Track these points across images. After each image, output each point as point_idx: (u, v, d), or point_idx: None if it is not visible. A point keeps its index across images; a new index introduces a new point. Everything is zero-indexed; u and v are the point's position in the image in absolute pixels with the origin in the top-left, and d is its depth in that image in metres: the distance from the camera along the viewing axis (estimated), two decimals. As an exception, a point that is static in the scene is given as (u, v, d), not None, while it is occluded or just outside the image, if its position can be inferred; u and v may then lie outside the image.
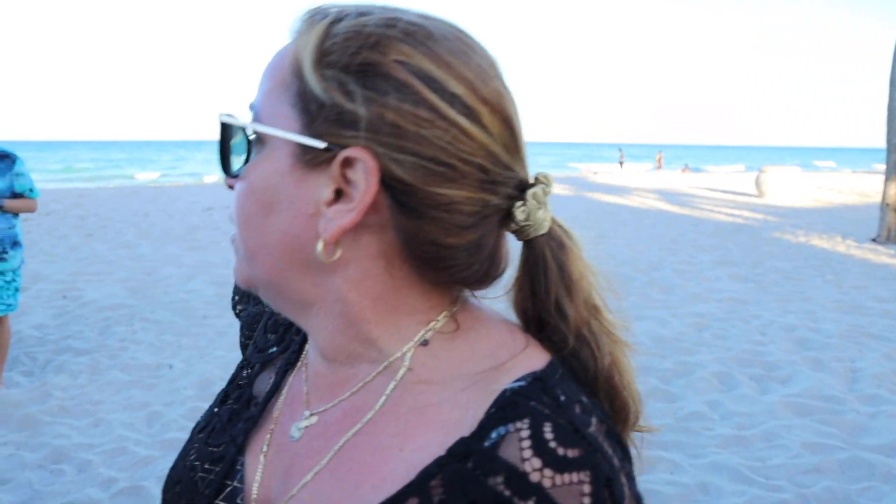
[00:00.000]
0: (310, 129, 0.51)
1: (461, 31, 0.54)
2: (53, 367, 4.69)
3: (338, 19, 0.52)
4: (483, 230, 0.54)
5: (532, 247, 0.56)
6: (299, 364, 0.66)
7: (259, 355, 0.72)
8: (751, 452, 3.48)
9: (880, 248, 10.12)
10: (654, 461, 3.30)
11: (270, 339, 0.72)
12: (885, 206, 10.69)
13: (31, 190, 4.09)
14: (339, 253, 0.52)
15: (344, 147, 0.50)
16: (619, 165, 41.70)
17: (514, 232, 0.56)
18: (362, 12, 0.53)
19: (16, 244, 4.11)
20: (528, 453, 0.46)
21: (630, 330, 0.60)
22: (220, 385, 4.39)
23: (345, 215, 0.51)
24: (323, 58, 0.51)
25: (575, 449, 0.47)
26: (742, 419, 3.87)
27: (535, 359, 0.54)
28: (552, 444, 0.47)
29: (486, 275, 0.57)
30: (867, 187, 23.26)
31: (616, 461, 0.49)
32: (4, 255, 4.04)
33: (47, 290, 6.74)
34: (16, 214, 4.09)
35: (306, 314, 0.57)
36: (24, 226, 4.30)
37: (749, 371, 4.64)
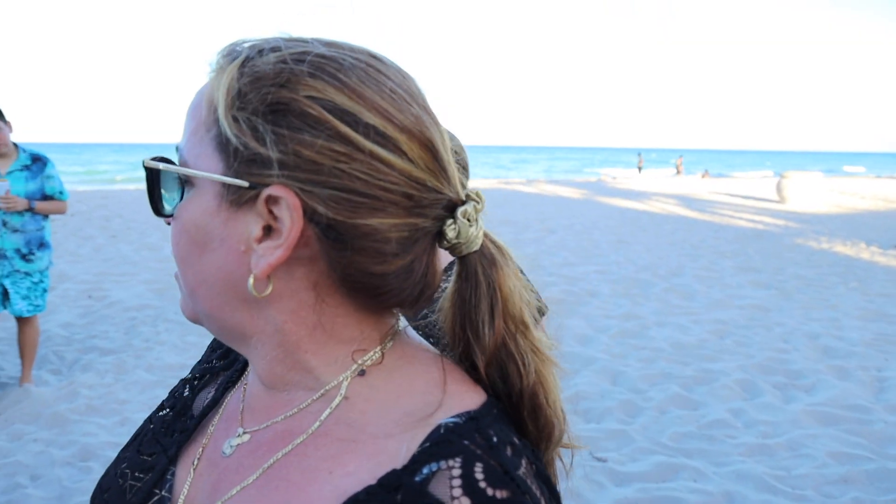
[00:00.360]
0: (231, 170, 0.53)
1: (372, 58, 0.55)
2: (80, 366, 4.78)
3: (248, 58, 0.53)
4: (414, 254, 0.55)
5: (465, 263, 0.57)
6: (239, 383, 0.68)
7: (202, 368, 0.74)
8: (776, 461, 3.45)
9: (906, 255, 9.97)
10: (677, 469, 3.29)
11: (215, 355, 0.75)
12: (910, 212, 10.53)
13: (60, 192, 4.18)
14: (270, 288, 0.54)
15: (265, 186, 0.51)
16: (637, 170, 41.46)
17: (447, 249, 0.57)
18: (273, 47, 0.53)
19: (43, 245, 4.20)
20: (457, 492, 0.47)
21: (558, 349, 0.61)
22: (244, 386, 4.46)
23: (274, 251, 0.52)
24: (235, 100, 0.52)
25: (504, 490, 0.47)
26: (766, 427, 3.83)
27: (471, 396, 0.55)
28: (482, 485, 0.47)
29: (420, 295, 0.58)
30: (890, 193, 22.89)
31: (543, 502, 0.50)
32: (31, 256, 4.13)
33: (73, 290, 6.86)
34: (45, 216, 4.18)
35: (246, 344, 0.59)
36: (51, 226, 4.38)
37: (772, 379, 4.60)
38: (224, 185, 0.53)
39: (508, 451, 0.51)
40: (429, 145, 0.54)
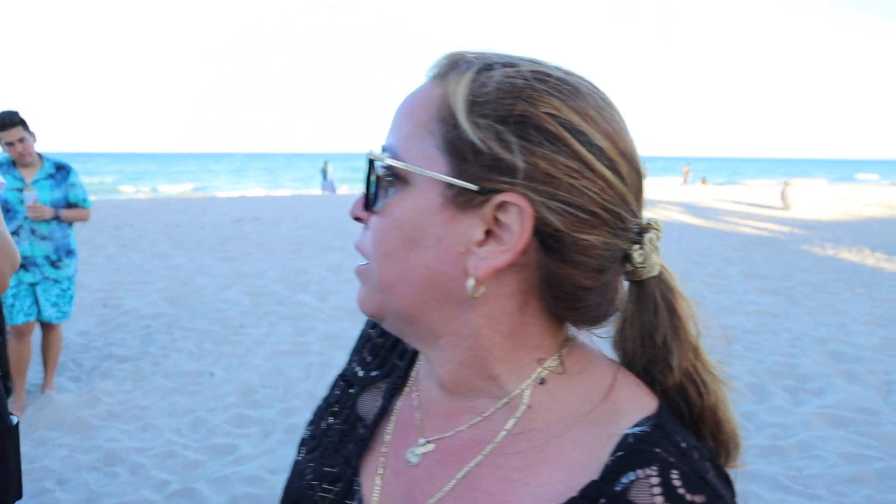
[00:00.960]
0: (461, 173, 0.54)
1: (598, 88, 0.58)
2: (99, 373, 4.86)
3: (485, 68, 0.56)
4: (611, 273, 0.58)
5: (643, 288, 0.59)
6: (406, 389, 0.69)
7: (360, 378, 0.74)
8: (787, 462, 3.51)
9: (911, 261, 10.02)
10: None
11: (370, 362, 0.75)
12: (915, 218, 10.58)
13: (84, 200, 4.28)
14: (482, 290, 0.55)
15: (498, 192, 0.53)
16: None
17: (626, 273, 0.59)
18: (508, 63, 0.56)
19: (70, 252, 4.30)
20: (659, 499, 0.49)
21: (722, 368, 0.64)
22: (262, 393, 4.54)
23: (498, 256, 0.54)
24: (475, 106, 0.54)
25: (701, 495, 0.50)
26: (777, 430, 3.89)
27: (647, 401, 0.57)
28: (680, 491, 0.49)
29: (605, 314, 0.60)
30: (894, 199, 22.92)
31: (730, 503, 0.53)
32: (59, 263, 4.23)
33: (89, 299, 6.95)
34: (70, 224, 4.28)
35: (434, 346, 0.60)
36: (75, 234, 4.48)
37: (782, 383, 4.66)
38: (449, 185, 0.55)
39: (696, 456, 0.53)
40: (638, 171, 0.58)
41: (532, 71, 0.55)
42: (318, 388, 4.56)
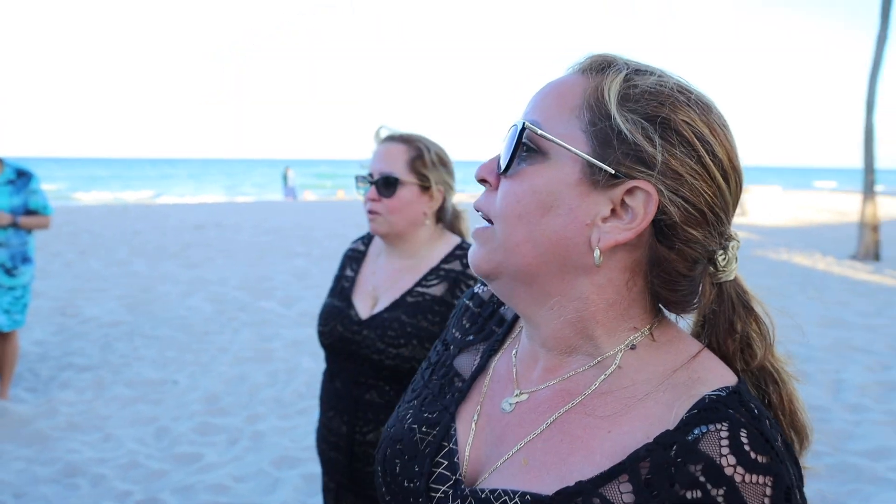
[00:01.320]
0: (603, 156, 0.63)
1: (720, 109, 0.68)
2: (58, 384, 4.73)
3: (636, 72, 0.65)
4: (703, 267, 0.67)
5: (721, 289, 0.69)
6: (503, 350, 0.79)
7: (458, 341, 0.84)
8: (744, 460, 3.63)
9: (859, 264, 10.43)
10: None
11: (467, 328, 0.85)
12: (862, 224, 11.03)
13: (44, 207, 4.18)
14: (601, 259, 0.64)
15: (632, 178, 0.63)
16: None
17: (709, 274, 0.68)
18: (656, 72, 0.66)
19: (26, 260, 4.19)
20: (725, 451, 0.56)
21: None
22: (226, 400, 4.49)
23: (621, 232, 0.63)
24: (627, 102, 0.63)
25: (765, 456, 0.57)
26: (734, 429, 4.02)
27: (727, 375, 0.65)
28: (746, 448, 0.56)
29: (691, 302, 0.69)
30: (843, 206, 23.81)
31: (795, 477, 0.59)
32: (15, 271, 4.12)
33: (46, 307, 6.77)
34: (29, 231, 4.17)
35: (543, 305, 0.68)
36: (34, 241, 4.36)
37: (739, 383, 4.81)
38: (588, 164, 0.63)
39: (767, 424, 0.60)
40: (741, 186, 0.67)
41: (676, 83, 0.65)
42: (283, 395, 4.53)
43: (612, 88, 0.64)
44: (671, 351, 0.67)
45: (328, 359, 1.74)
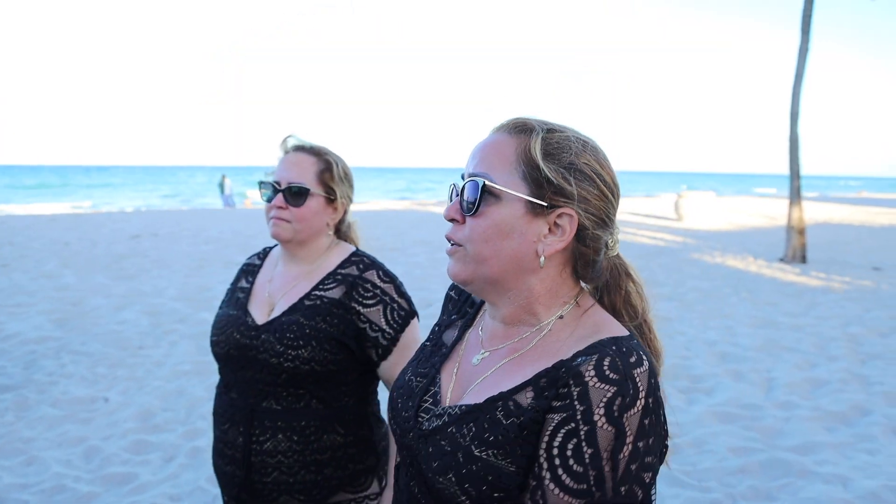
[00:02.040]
0: (538, 195, 0.95)
1: (601, 146, 1.01)
2: (-24, 405, 4.45)
3: (548, 132, 0.97)
4: (603, 252, 1.00)
5: (611, 262, 1.03)
6: (473, 325, 1.12)
7: (445, 321, 1.19)
8: (683, 458, 3.73)
9: (787, 267, 10.93)
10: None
11: (452, 312, 1.20)
12: (790, 228, 11.57)
13: None
14: (545, 262, 0.96)
15: (559, 207, 0.95)
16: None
17: (605, 254, 1.01)
18: (559, 129, 0.98)
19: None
20: (590, 367, 0.87)
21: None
22: (162, 416, 4.32)
23: (558, 243, 0.96)
24: (547, 156, 0.95)
25: (616, 375, 0.86)
26: (673, 428, 4.05)
27: (622, 330, 0.95)
28: (605, 368, 0.86)
29: (600, 276, 1.02)
30: (772, 211, 24.96)
31: (642, 392, 0.86)
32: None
33: (-37, 325, 6.36)
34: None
35: (503, 295, 0.99)
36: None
37: (677, 384, 4.94)
38: (529, 202, 0.95)
39: (632, 359, 0.87)
40: (618, 196, 1.00)
41: (575, 136, 0.99)
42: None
43: (537, 147, 0.95)
44: (586, 316, 0.99)
45: (222, 370, 1.71)
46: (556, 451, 0.86)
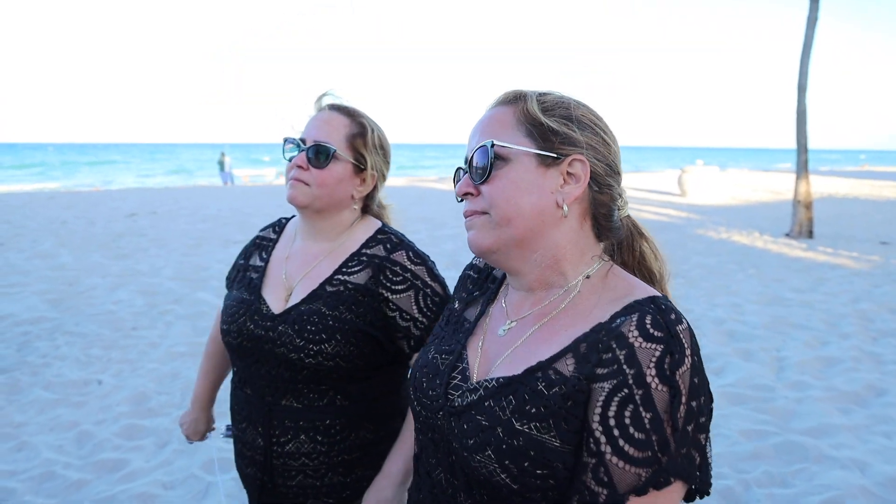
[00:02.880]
0: (545, 147, 0.95)
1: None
2: (-33, 389, 4.34)
3: (541, 94, 0.99)
4: (616, 204, 1.00)
5: (623, 221, 1.03)
6: (496, 300, 1.09)
7: (465, 297, 1.15)
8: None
9: (794, 242, 10.76)
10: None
11: (472, 289, 1.16)
12: (796, 202, 11.37)
13: None
14: (567, 210, 0.95)
15: (569, 155, 0.95)
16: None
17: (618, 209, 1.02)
18: (551, 92, 1.00)
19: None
20: (633, 328, 0.84)
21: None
22: (157, 400, 4.20)
23: (575, 189, 0.95)
24: (546, 111, 0.97)
25: (661, 332, 0.83)
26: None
27: (654, 291, 0.93)
28: (648, 326, 0.84)
29: (617, 230, 1.01)
30: (778, 185, 24.71)
31: (688, 350, 0.83)
32: None
33: (-45, 305, 6.24)
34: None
35: (528, 258, 0.97)
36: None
37: (685, 363, 4.81)
38: (538, 155, 0.95)
39: (672, 316, 0.85)
40: (619, 146, 1.02)
41: (565, 96, 1.00)
42: (219, 392, 4.26)
43: (534, 106, 0.97)
44: (614, 276, 0.98)
45: (235, 362, 1.53)
46: (612, 422, 0.82)
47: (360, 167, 1.50)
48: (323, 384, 1.42)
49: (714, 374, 4.65)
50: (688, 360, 0.82)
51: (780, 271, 8.28)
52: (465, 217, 1.00)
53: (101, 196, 18.89)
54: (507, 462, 0.86)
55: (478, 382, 0.95)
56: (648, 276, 1.04)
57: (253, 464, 1.48)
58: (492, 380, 0.93)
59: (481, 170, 0.96)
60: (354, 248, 1.49)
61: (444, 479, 0.97)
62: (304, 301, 1.43)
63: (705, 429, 0.84)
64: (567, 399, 0.85)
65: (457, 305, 1.16)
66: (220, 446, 3.32)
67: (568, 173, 0.95)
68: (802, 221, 11.27)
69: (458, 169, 1.06)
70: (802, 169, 11.38)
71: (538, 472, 0.85)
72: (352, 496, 1.45)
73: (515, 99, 0.99)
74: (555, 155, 0.94)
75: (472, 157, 0.98)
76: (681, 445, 0.81)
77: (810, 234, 11.20)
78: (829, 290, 7.20)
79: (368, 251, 1.47)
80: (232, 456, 3.45)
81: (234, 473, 3.29)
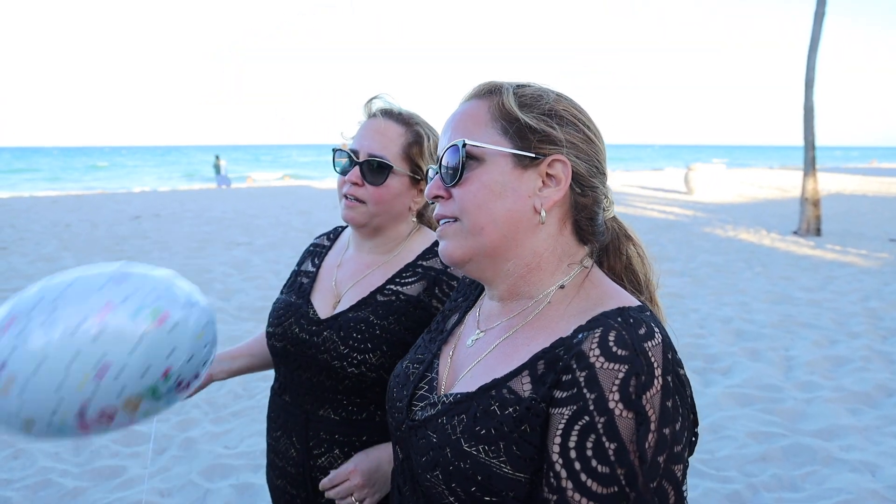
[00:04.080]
0: (522, 146, 0.87)
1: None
2: (-34, 395, 4.30)
3: (518, 87, 0.90)
4: (601, 206, 0.92)
5: (609, 224, 0.95)
6: (473, 308, 1.04)
7: (451, 305, 1.11)
8: (700, 445, 3.53)
9: (801, 240, 10.64)
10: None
11: (456, 296, 1.12)
12: (804, 200, 11.25)
13: None
14: (545, 216, 0.87)
15: (548, 155, 0.87)
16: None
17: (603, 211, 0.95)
18: (530, 84, 0.92)
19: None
20: (594, 346, 0.76)
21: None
22: (155, 405, 4.15)
23: (554, 193, 0.87)
24: (524, 107, 0.88)
25: (625, 351, 0.74)
26: (688, 412, 3.92)
27: (630, 300, 0.84)
28: (610, 344, 0.75)
29: (601, 234, 0.93)
30: (785, 182, 24.53)
31: (657, 370, 0.74)
32: None
33: (-43, 310, 6.22)
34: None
35: (501, 268, 0.90)
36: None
37: (692, 364, 4.74)
38: (514, 156, 0.87)
39: (642, 331, 0.76)
40: (604, 142, 0.94)
41: (545, 88, 0.92)
42: (217, 397, 4.22)
43: (511, 100, 0.88)
44: (588, 285, 0.89)
45: (278, 368, 1.48)
46: (573, 454, 0.74)
47: (416, 178, 1.43)
48: (364, 396, 1.35)
49: (721, 374, 4.57)
50: (657, 382, 0.73)
51: (788, 269, 8.17)
52: (437, 221, 0.93)
53: (104, 199, 18.92)
54: (453, 485, 0.80)
55: (440, 396, 0.90)
56: (636, 281, 0.96)
57: (283, 475, 1.42)
58: (450, 395, 0.88)
59: (452, 171, 0.88)
60: (410, 258, 1.42)
61: (410, 493, 0.91)
62: (352, 308, 1.37)
63: (680, 459, 0.74)
64: (520, 422, 0.78)
65: (443, 314, 1.11)
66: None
67: (547, 175, 0.87)
68: (810, 219, 11.15)
69: (429, 168, 0.99)
70: (810, 166, 11.26)
71: (486, 498, 0.79)
72: None
73: (490, 92, 0.90)
74: (533, 155, 0.86)
75: (443, 156, 0.90)
76: (650, 479, 0.72)
77: (818, 232, 11.08)
78: (838, 289, 7.09)
79: (425, 263, 1.40)
80: (228, 462, 3.41)
81: (233, 480, 3.24)
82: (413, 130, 1.42)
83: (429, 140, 1.43)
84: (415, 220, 1.48)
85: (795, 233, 11.24)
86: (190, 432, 3.76)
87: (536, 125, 0.87)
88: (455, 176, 0.88)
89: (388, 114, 1.43)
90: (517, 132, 0.87)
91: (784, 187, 22.29)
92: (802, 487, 3.10)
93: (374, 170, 1.38)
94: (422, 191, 1.45)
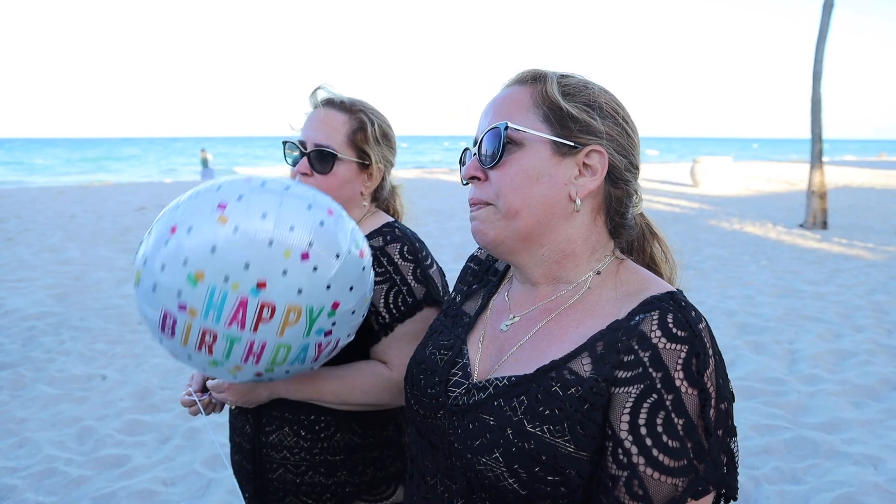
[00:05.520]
0: (562, 134, 0.89)
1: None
2: (-29, 384, 4.34)
3: (562, 76, 0.92)
4: (632, 200, 0.95)
5: (636, 219, 0.98)
6: (498, 292, 1.05)
7: (465, 290, 1.11)
8: (701, 438, 3.53)
9: (808, 233, 10.59)
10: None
11: (472, 282, 1.12)
12: (810, 192, 11.18)
13: None
14: (580, 204, 0.90)
15: (587, 145, 0.89)
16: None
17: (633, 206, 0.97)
18: (574, 75, 0.94)
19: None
20: (654, 327, 0.79)
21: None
22: (160, 395, 4.18)
23: (590, 182, 0.89)
24: (567, 96, 0.90)
25: (684, 332, 0.78)
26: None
27: (668, 286, 0.87)
28: (670, 325, 0.78)
29: (632, 227, 0.97)
30: (791, 175, 24.38)
31: (710, 350, 0.79)
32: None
33: (-37, 301, 6.26)
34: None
35: (534, 252, 0.92)
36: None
37: (695, 357, 4.72)
38: (554, 143, 0.89)
39: (693, 314, 0.81)
40: (639, 139, 0.95)
41: (588, 80, 0.93)
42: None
43: (555, 89, 0.90)
44: (625, 271, 0.92)
45: None
46: (644, 431, 0.76)
47: (364, 164, 1.46)
48: None
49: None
50: (712, 361, 0.78)
51: (794, 263, 8.14)
52: (471, 205, 0.94)
53: (110, 190, 18.97)
54: (515, 466, 0.81)
55: (487, 381, 0.89)
56: (659, 277, 0.98)
57: (240, 451, 1.46)
58: (502, 378, 0.88)
59: (491, 153, 0.90)
60: None
61: (440, 483, 0.91)
62: None
63: (734, 432, 0.80)
64: (584, 402, 0.79)
65: (457, 299, 1.11)
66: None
67: (584, 164, 0.89)
68: (816, 212, 11.08)
69: (466, 150, 0.99)
70: (817, 159, 11.18)
71: (549, 478, 0.80)
72: (331, 500, 1.40)
73: (534, 79, 0.92)
74: (572, 143, 0.88)
75: (483, 138, 0.91)
76: (714, 451, 0.76)
77: (824, 225, 11.01)
78: (844, 282, 7.06)
79: (370, 242, 1.42)
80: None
81: (235, 469, 3.26)
82: (356, 118, 1.46)
83: (373, 125, 1.46)
84: (366, 204, 1.51)
85: (801, 226, 11.18)
86: (194, 422, 3.78)
87: (578, 115, 0.89)
88: (494, 158, 0.90)
89: (331, 103, 1.47)
90: (559, 120, 0.89)
91: (790, 180, 22.15)
92: (804, 480, 3.09)
93: (321, 159, 1.42)
94: (371, 175, 1.49)
